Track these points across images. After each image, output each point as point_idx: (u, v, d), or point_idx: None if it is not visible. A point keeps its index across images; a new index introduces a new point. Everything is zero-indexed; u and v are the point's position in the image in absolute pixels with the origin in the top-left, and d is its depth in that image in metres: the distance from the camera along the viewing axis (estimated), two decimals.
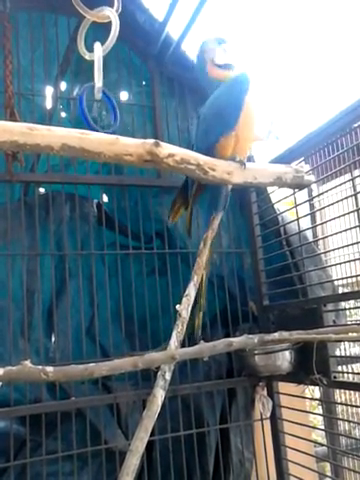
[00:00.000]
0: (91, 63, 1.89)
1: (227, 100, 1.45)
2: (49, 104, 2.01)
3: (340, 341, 1.91)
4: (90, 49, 1.71)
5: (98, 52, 1.63)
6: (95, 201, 2.17)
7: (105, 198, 2.22)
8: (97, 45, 1.65)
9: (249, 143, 1.51)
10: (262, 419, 1.92)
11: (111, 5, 1.67)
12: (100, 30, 1.82)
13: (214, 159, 1.40)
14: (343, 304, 1.90)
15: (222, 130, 1.44)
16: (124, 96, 2.10)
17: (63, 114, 2.09)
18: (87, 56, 1.69)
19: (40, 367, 1.11)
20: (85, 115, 1.52)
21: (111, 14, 1.60)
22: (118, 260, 1.89)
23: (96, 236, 1.92)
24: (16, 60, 1.83)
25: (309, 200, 2.17)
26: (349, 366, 2.72)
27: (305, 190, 2.32)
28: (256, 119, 1.47)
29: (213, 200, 1.57)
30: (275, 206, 2.08)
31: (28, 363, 1.11)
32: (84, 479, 1.74)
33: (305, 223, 2.23)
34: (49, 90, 2.01)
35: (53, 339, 1.92)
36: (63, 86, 2.08)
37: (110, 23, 1.76)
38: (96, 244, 1.88)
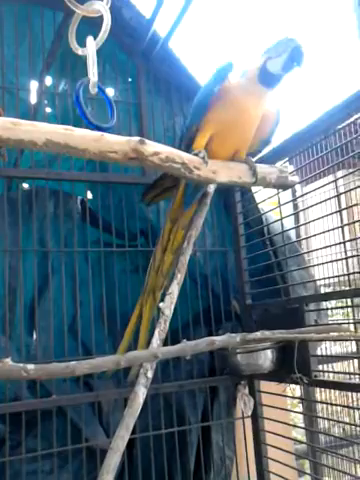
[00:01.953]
0: (77, 58, 1.87)
1: (200, 91, 1.42)
2: (34, 99, 1.99)
3: (321, 340, 1.93)
4: (80, 44, 1.69)
5: (91, 46, 1.61)
6: (79, 198, 2.15)
7: (89, 195, 2.20)
8: (90, 39, 1.63)
9: (232, 143, 1.44)
10: (243, 417, 1.93)
11: None
12: (88, 25, 1.81)
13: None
14: (325, 304, 1.92)
15: (190, 120, 1.43)
16: (110, 92, 2.08)
17: (48, 109, 2.07)
18: (79, 51, 1.67)
19: (21, 365, 1.09)
20: (83, 111, 1.50)
21: (102, 8, 1.59)
22: (102, 258, 1.88)
23: (80, 233, 1.91)
24: (0, 53, 1.80)
25: (293, 200, 2.18)
26: (330, 365, 2.76)
27: (289, 190, 2.34)
28: (245, 118, 1.38)
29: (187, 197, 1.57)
30: (259, 206, 2.09)
31: (9, 361, 1.09)
32: (64, 478, 1.73)
33: (288, 223, 2.25)
34: (34, 84, 1.99)
35: (35, 336, 1.90)
36: (48, 81, 2.05)
37: (97, 18, 1.75)
38: (80, 241, 1.86)
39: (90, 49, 1.62)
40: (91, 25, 1.83)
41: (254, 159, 1.55)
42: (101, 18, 1.78)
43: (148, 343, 1.40)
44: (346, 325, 1.68)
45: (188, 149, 1.41)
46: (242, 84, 1.37)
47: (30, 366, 1.10)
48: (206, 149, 1.39)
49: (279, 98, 1.47)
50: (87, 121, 1.48)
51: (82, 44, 1.85)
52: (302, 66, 1.31)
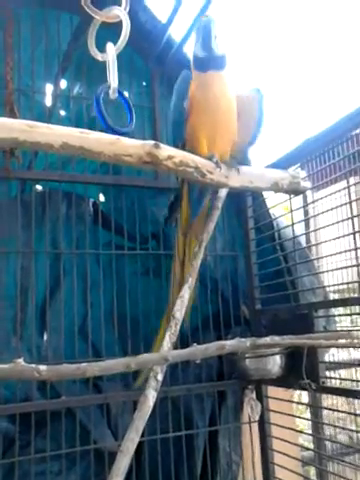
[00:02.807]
0: (92, 62, 1.89)
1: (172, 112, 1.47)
2: (49, 102, 2.01)
3: (330, 347, 1.93)
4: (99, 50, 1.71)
5: (111, 52, 1.63)
6: (91, 200, 2.17)
7: (102, 198, 2.22)
8: (110, 45, 1.65)
9: (223, 136, 1.44)
10: (250, 422, 1.93)
11: (117, 4, 1.67)
12: (102, 29, 1.83)
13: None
14: (333, 310, 1.92)
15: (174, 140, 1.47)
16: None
17: (62, 112, 2.09)
18: (99, 57, 1.69)
19: (33, 365, 1.10)
20: (103, 117, 1.51)
21: (121, 13, 1.61)
22: (113, 260, 1.89)
23: (91, 235, 1.92)
24: (16, 56, 1.82)
25: (304, 206, 2.18)
26: (336, 372, 2.74)
27: (300, 196, 2.34)
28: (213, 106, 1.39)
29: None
30: (270, 211, 2.09)
31: (21, 361, 1.10)
32: (72, 479, 1.74)
33: (299, 229, 2.25)
34: (49, 88, 2.01)
35: (45, 337, 1.92)
36: (63, 84, 2.07)
37: (115, 23, 1.77)
38: (91, 243, 1.88)
39: (110, 55, 1.64)
40: (108, 29, 1.86)
41: (265, 164, 1.55)
42: (118, 23, 1.80)
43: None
44: (355, 332, 1.68)
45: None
46: (193, 80, 1.42)
47: (42, 367, 1.11)
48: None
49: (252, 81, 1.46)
50: (107, 126, 1.49)
51: (99, 49, 1.87)
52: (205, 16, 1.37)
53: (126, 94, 2.08)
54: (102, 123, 1.49)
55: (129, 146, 1.28)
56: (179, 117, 1.40)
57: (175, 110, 1.42)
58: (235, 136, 1.47)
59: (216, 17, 1.36)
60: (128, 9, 1.70)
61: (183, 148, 1.42)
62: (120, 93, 1.65)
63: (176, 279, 1.58)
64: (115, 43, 1.78)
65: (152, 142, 1.30)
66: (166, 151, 1.32)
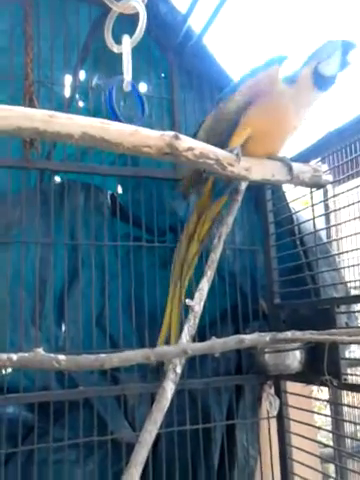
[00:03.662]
0: (110, 53, 1.88)
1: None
2: (67, 93, 2.00)
3: (353, 343, 1.89)
4: (116, 41, 1.70)
5: (127, 45, 1.63)
6: (109, 192, 2.17)
7: (120, 189, 2.22)
8: (126, 38, 1.65)
9: (270, 146, 1.44)
10: (269, 417, 1.91)
11: None
12: (123, 21, 1.82)
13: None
14: (354, 306, 1.88)
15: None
16: (143, 88, 2.09)
17: (81, 103, 2.08)
18: (115, 49, 1.68)
19: (52, 355, 1.11)
20: (114, 109, 1.51)
21: (138, 5, 1.60)
22: (131, 252, 1.88)
23: (109, 227, 1.92)
24: (36, 47, 1.82)
25: (325, 200, 2.14)
26: (358, 369, 2.70)
27: (320, 190, 2.30)
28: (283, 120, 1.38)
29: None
30: (290, 205, 2.06)
31: (40, 351, 1.11)
32: (89, 467, 1.76)
33: (319, 224, 2.21)
34: (68, 79, 2.00)
35: (63, 328, 1.93)
36: (82, 75, 2.07)
37: (133, 14, 1.75)
38: (109, 235, 1.87)
39: (126, 48, 1.64)
40: (126, 21, 1.85)
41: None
42: (136, 14, 1.79)
43: (179, 336, 1.41)
44: None
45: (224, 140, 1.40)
46: (294, 90, 1.35)
47: (61, 357, 1.11)
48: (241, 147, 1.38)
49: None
50: (117, 119, 1.49)
51: (117, 40, 1.86)
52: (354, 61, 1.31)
53: (144, 86, 2.09)
54: (113, 116, 1.49)
55: (149, 137, 1.27)
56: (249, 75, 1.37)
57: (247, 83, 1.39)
58: (284, 146, 1.47)
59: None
60: (146, 1, 1.68)
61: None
62: (134, 87, 1.65)
63: (180, 253, 1.58)
64: (133, 35, 1.77)
65: (172, 133, 1.28)
66: (186, 142, 1.31)
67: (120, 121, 1.41)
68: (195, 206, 1.61)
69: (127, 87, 1.75)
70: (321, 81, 1.33)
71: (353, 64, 1.32)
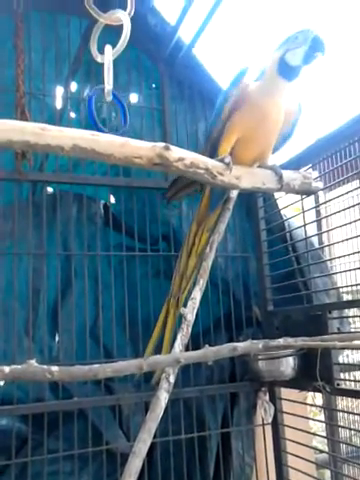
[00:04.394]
0: (102, 64, 1.90)
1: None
2: (59, 104, 2.02)
3: (345, 349, 1.91)
4: (102, 51, 1.72)
5: (109, 55, 1.64)
6: (102, 202, 2.18)
7: (112, 199, 2.23)
8: (108, 48, 1.66)
9: (257, 145, 1.43)
10: (263, 424, 1.92)
11: (124, 8, 1.68)
12: (112, 32, 1.83)
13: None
14: (346, 312, 1.90)
15: (212, 122, 1.44)
16: (134, 98, 2.11)
17: (73, 115, 2.10)
18: (99, 59, 1.70)
19: (45, 366, 1.10)
20: (93, 117, 1.53)
21: (123, 17, 1.61)
22: (124, 262, 1.89)
23: (102, 237, 1.93)
24: (27, 59, 1.84)
25: (316, 207, 2.16)
26: (351, 374, 2.71)
27: (311, 197, 2.32)
28: (268, 121, 1.37)
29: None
30: (281, 212, 2.08)
31: (33, 362, 1.11)
32: (84, 479, 1.75)
33: (311, 230, 2.23)
34: (59, 90, 2.02)
35: (57, 339, 1.93)
36: (73, 87, 2.08)
37: (120, 26, 1.77)
38: (102, 245, 1.88)
39: (107, 58, 1.65)
40: (116, 33, 1.86)
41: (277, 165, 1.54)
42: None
43: (171, 347, 1.41)
44: None
45: (213, 152, 1.41)
46: (261, 83, 1.37)
47: (54, 368, 1.11)
48: (231, 154, 1.39)
49: (300, 90, 1.44)
50: (96, 127, 1.52)
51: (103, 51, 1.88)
52: (324, 54, 1.27)
53: (135, 97, 2.11)
54: (92, 124, 1.51)
55: (139, 148, 1.28)
56: (220, 105, 1.39)
57: (227, 97, 1.39)
58: (272, 145, 1.46)
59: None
60: (133, 13, 1.70)
61: (219, 137, 1.42)
62: (115, 95, 1.66)
63: (180, 266, 1.58)
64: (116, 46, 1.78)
65: (162, 144, 1.29)
66: (176, 153, 1.32)
67: (100, 130, 1.43)
68: (194, 217, 1.62)
69: (108, 96, 1.75)
70: (285, 69, 1.30)
71: (317, 60, 1.27)
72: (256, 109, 1.37)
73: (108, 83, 1.70)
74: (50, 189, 2.04)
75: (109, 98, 1.72)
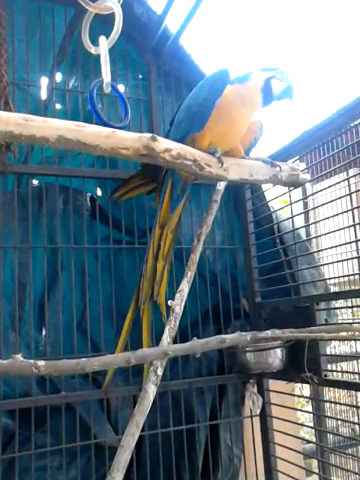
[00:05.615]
0: (87, 55, 1.86)
1: (197, 100, 1.44)
2: (44, 95, 1.98)
3: (332, 340, 1.92)
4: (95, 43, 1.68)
5: (104, 46, 1.61)
6: (89, 195, 2.15)
7: (99, 192, 2.20)
8: (102, 39, 1.62)
9: (230, 140, 1.47)
10: (252, 416, 1.93)
11: None
12: (98, 22, 1.80)
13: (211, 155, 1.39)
14: (334, 303, 1.91)
15: (189, 129, 1.44)
16: (120, 89, 2.07)
17: (58, 106, 2.06)
18: (92, 50, 1.66)
19: (31, 361, 1.09)
20: (97, 111, 1.49)
21: (114, 6, 1.58)
22: (111, 254, 1.88)
23: (89, 230, 1.91)
24: (11, 49, 1.80)
25: (303, 199, 2.17)
26: (338, 365, 2.74)
27: (299, 189, 2.32)
28: (237, 118, 1.43)
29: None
30: (269, 204, 2.08)
31: (19, 357, 1.09)
32: (72, 474, 1.74)
33: (298, 222, 2.23)
34: (44, 81, 1.98)
35: (44, 333, 1.91)
36: (58, 77, 2.05)
37: (109, 15, 1.74)
38: (89, 238, 1.86)
39: (103, 49, 1.62)
40: (103, 22, 1.83)
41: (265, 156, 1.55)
42: (113, 15, 1.77)
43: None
44: (357, 325, 1.67)
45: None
46: (241, 90, 1.40)
47: (41, 362, 1.10)
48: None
49: (262, 114, 1.53)
50: (101, 121, 1.47)
51: (94, 42, 1.85)
52: (293, 100, 1.43)
53: (121, 88, 2.08)
54: (97, 119, 1.47)
55: (126, 139, 1.26)
56: (207, 111, 1.39)
57: (205, 103, 1.40)
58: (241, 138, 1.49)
59: None
60: (122, 1, 1.67)
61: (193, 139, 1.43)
62: (113, 87, 1.63)
63: (147, 270, 1.58)
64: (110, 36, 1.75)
65: (149, 135, 1.28)
66: (163, 144, 1.30)
67: (107, 125, 1.39)
68: (156, 220, 1.61)
69: (107, 88, 1.73)
70: (267, 91, 1.39)
71: (280, 103, 1.42)
72: (231, 113, 1.41)
73: (106, 75, 1.67)
74: (36, 181, 2.01)
75: (108, 90, 1.70)
